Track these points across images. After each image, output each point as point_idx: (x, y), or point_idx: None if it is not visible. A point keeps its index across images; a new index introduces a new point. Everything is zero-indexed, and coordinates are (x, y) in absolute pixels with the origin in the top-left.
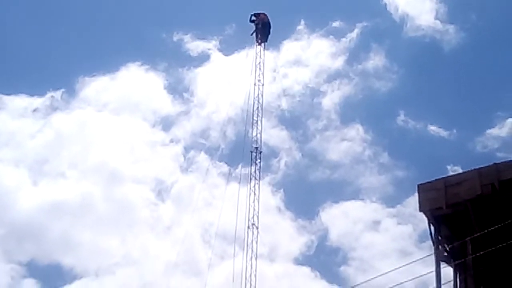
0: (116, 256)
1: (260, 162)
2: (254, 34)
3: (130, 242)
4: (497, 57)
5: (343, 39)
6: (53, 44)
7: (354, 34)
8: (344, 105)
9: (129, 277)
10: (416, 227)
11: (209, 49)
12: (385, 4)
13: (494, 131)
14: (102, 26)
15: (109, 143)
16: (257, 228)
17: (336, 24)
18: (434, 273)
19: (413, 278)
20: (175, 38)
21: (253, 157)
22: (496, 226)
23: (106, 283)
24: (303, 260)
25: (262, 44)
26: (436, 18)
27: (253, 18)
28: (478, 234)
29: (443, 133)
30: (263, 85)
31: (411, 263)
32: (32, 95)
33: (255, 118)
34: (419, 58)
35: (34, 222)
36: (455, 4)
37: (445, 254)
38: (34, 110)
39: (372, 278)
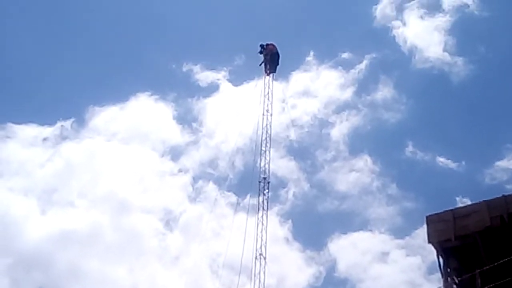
0: (124, 286)
1: (268, 192)
2: (263, 65)
3: (137, 271)
4: (506, 89)
5: (352, 71)
6: (63, 73)
7: (363, 66)
8: (353, 136)
9: None
10: (425, 259)
11: (218, 79)
12: (394, 36)
13: (502, 163)
14: (112, 55)
15: (118, 172)
16: (264, 258)
17: (345, 55)
18: None
19: None
20: (184, 69)
21: (261, 187)
22: (506, 259)
23: None
24: None
25: (271, 75)
26: (445, 50)
27: (262, 49)
28: (488, 267)
29: (452, 164)
30: (271, 115)
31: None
32: (42, 124)
33: (263, 148)
34: (427, 89)
35: (42, 251)
36: (463, 37)
37: (454, 286)
38: (44, 139)
39: None
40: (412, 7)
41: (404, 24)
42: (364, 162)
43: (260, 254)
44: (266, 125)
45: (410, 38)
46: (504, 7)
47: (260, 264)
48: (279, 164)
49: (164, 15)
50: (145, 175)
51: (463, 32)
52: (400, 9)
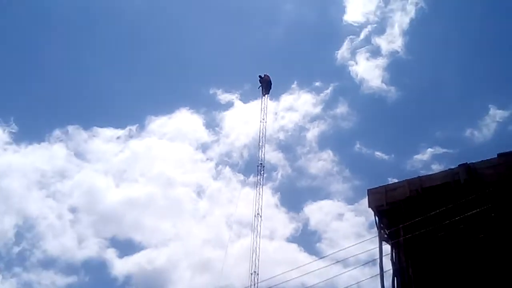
0: (169, 234)
1: (263, 173)
2: (260, 88)
3: (178, 225)
4: (422, 107)
5: (321, 94)
6: (131, 92)
7: (328, 91)
8: (321, 137)
9: (177, 248)
10: (367, 218)
11: (233, 99)
12: (349, 71)
13: (418, 156)
14: (165, 81)
15: (166, 160)
16: (261, 217)
17: (317, 84)
18: (377, 249)
19: (364, 252)
20: (211, 92)
21: (259, 170)
22: (419, 218)
23: (162, 252)
24: (292, 239)
25: (266, 96)
26: (382, 82)
27: (260, 78)
28: (408, 223)
29: (385, 157)
30: (266, 122)
31: (362, 241)
32: (116, 127)
33: (261, 144)
34: (370, 107)
35: (116, 211)
36: (395, 73)
37: (385, 236)
38: (118, 138)
39: (338, 251)
40: (361, 52)
41: (356, 63)
42: (328, 154)
43: (258, 214)
44: (263, 129)
45: (359, 73)
46: (422, 53)
47: (258, 221)
48: (272, 155)
49: (198, 53)
50: (184, 161)
51: (395, 69)
52: (353, 54)
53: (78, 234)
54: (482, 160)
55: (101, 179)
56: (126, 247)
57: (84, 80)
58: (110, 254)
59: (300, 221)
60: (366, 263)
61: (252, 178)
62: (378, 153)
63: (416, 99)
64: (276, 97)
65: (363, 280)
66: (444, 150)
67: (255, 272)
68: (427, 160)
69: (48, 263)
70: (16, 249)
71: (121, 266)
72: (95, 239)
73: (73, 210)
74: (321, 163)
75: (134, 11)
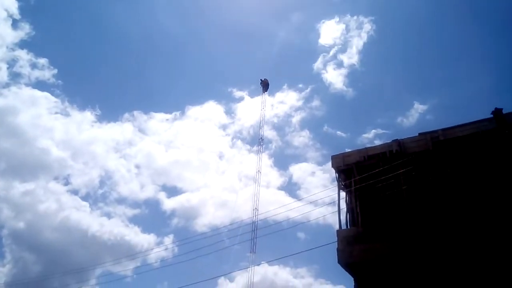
0: (200, 184)
1: (263, 145)
2: (261, 88)
3: (206, 178)
4: (369, 102)
5: (303, 93)
6: (177, 89)
7: (308, 90)
8: (301, 121)
9: (205, 193)
10: (331, 175)
11: (243, 95)
12: (322, 78)
13: (365, 135)
14: (199, 82)
15: (199, 135)
16: (260, 173)
17: (300, 85)
18: (337, 195)
19: (328, 196)
20: (229, 90)
21: (260, 142)
22: (365, 175)
23: (195, 195)
24: (281, 188)
25: (265, 93)
26: (344, 85)
27: (261, 81)
28: (357, 178)
29: (343, 135)
30: (265, 111)
31: (327, 189)
32: (166, 113)
33: (261, 125)
34: (334, 102)
35: (166, 168)
36: (352, 78)
37: (342, 186)
38: (167, 120)
39: (310, 195)
40: (330, 64)
41: (327, 72)
42: (306, 133)
43: (258, 171)
44: (263, 115)
45: (328, 79)
46: (371, 66)
47: (258, 175)
48: (269, 133)
49: (221, 64)
50: (210, 136)
51: (352, 76)
52: (325, 65)
53: (140, 182)
54: (408, 137)
55: (155, 147)
56: (172, 191)
57: (146, 81)
58: (161, 196)
59: (286, 176)
60: (329, 204)
61: (255, 148)
62: (339, 132)
63: (365, 96)
64: (272, 94)
65: (326, 215)
66: (383, 131)
67: (256, 208)
68: (371, 137)
69: (121, 201)
70: (100, 191)
71: (168, 204)
72: (151, 185)
73: (137, 166)
74: (301, 138)
75: (177, 32)
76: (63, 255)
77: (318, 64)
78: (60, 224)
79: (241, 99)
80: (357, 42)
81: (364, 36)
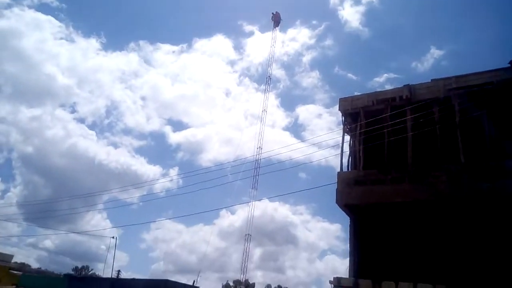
0: (206, 119)
1: (270, 83)
2: (272, 22)
3: (212, 114)
4: (384, 44)
5: (316, 30)
6: (185, 20)
7: (321, 28)
8: (312, 61)
9: (211, 129)
10: (337, 118)
11: (253, 29)
12: (338, 14)
13: (377, 79)
14: (208, 13)
15: (206, 69)
16: (266, 112)
17: (314, 22)
18: (341, 138)
19: (332, 139)
20: (239, 23)
21: (267, 80)
22: (370, 120)
23: (201, 131)
24: (286, 128)
25: (276, 29)
26: (360, 23)
27: (272, 14)
28: (363, 122)
29: (354, 77)
30: (274, 48)
31: (332, 132)
32: (172, 44)
33: (270, 63)
34: (348, 42)
35: (172, 101)
36: (370, 17)
37: (347, 129)
38: (173, 52)
39: (315, 137)
40: (347, 1)
41: (343, 8)
42: (316, 74)
43: (264, 110)
44: (272, 52)
45: (344, 16)
46: (390, 5)
47: (264, 114)
48: (277, 71)
49: None
50: (218, 71)
51: (369, 15)
52: (342, 1)
53: (147, 114)
54: (420, 83)
55: (161, 79)
56: (178, 125)
57: (153, 9)
58: (167, 129)
59: (292, 117)
60: (333, 146)
61: (262, 86)
62: (349, 74)
63: (381, 38)
64: (284, 30)
65: (329, 157)
66: (396, 75)
67: (260, 147)
68: (383, 81)
69: (127, 132)
70: (106, 121)
71: (174, 138)
72: (157, 118)
73: (143, 98)
74: (310, 79)
75: None
76: (71, 181)
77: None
78: (68, 151)
79: (251, 33)
80: None
81: None
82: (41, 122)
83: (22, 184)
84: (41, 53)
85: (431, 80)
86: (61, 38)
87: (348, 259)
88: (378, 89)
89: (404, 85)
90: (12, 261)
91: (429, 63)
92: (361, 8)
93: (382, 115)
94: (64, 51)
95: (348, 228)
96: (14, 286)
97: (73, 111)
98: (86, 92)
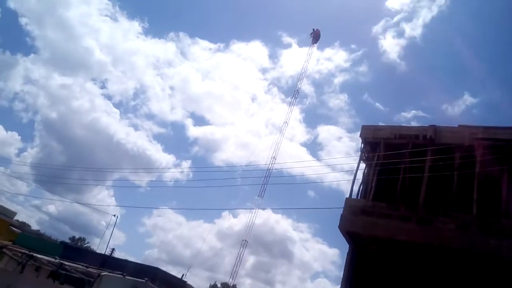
0: (227, 120)
1: (297, 97)
2: (311, 38)
3: (235, 116)
4: (418, 80)
5: (353, 54)
6: (227, 20)
7: (359, 53)
8: (343, 84)
9: (230, 130)
10: (357, 145)
11: (291, 42)
12: (378, 43)
13: (404, 114)
14: (251, 18)
15: (237, 72)
16: (287, 124)
17: (353, 46)
18: (356, 164)
19: (347, 164)
20: (278, 33)
21: (294, 94)
22: (389, 152)
23: (220, 130)
24: (304, 145)
25: (314, 45)
26: (398, 56)
27: (313, 30)
28: (382, 153)
29: (382, 108)
30: (308, 63)
31: (348, 157)
32: (210, 42)
33: (301, 77)
34: (383, 72)
35: (198, 96)
36: (409, 52)
37: (364, 158)
38: (210, 49)
39: (330, 158)
40: (390, 31)
41: (384, 38)
42: (344, 97)
43: (286, 122)
44: (305, 68)
45: (384, 46)
46: (432, 43)
47: (285, 126)
48: (307, 87)
49: (279, 6)
50: (248, 76)
51: (409, 50)
52: (384, 31)
53: (172, 104)
54: (446, 126)
55: (193, 73)
56: (199, 121)
57: (200, 5)
58: (188, 122)
59: (312, 134)
60: (347, 171)
61: (289, 99)
62: (378, 104)
63: (417, 74)
64: (321, 48)
65: (341, 181)
66: (424, 114)
67: (274, 157)
68: (410, 117)
69: (150, 117)
70: (132, 103)
71: (193, 131)
72: (181, 110)
73: (171, 88)
74: (338, 101)
75: None
76: (86, 153)
77: (378, 28)
78: (90, 124)
79: (288, 45)
80: (425, 15)
81: (435, 10)
82: (70, 92)
83: (40, 147)
84: (84, 26)
85: (458, 125)
86: (106, 15)
87: (339, 286)
88: (403, 124)
89: (430, 125)
90: (14, 218)
91: (460, 108)
92: (403, 42)
93: (402, 150)
94: (106, 28)
95: (346, 255)
96: (11, 243)
97: (103, 87)
98: (118, 71)
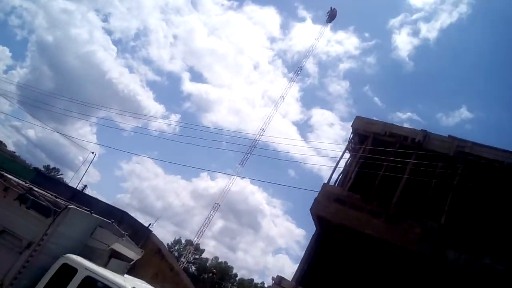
0: (225, 82)
1: (299, 75)
2: (327, 16)
3: (233, 80)
4: (421, 84)
5: (364, 43)
6: None
7: (371, 43)
8: (347, 71)
9: (226, 93)
10: (347, 134)
11: (306, 17)
12: (391, 37)
13: (399, 114)
14: None
15: (245, 35)
16: (283, 99)
17: (366, 34)
18: (341, 153)
19: (333, 151)
20: (295, 4)
21: (297, 71)
22: (376, 148)
23: (216, 91)
24: (295, 124)
25: (328, 24)
26: (407, 55)
27: (330, 9)
28: (369, 147)
29: (380, 103)
30: (318, 42)
31: (335, 144)
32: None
33: (307, 55)
34: (389, 67)
35: (201, 51)
36: (420, 53)
37: (350, 148)
38: (222, 5)
39: (319, 142)
40: (406, 27)
41: (399, 33)
42: (345, 84)
43: (282, 97)
44: (313, 46)
45: (397, 41)
46: (444, 49)
47: (280, 101)
48: (311, 66)
49: None
50: (255, 42)
51: (420, 51)
52: (401, 26)
53: (172, 53)
54: (437, 134)
55: (200, 26)
56: (196, 77)
57: None
58: (185, 76)
59: (306, 115)
60: (330, 157)
61: (291, 74)
62: (376, 98)
63: (421, 77)
64: (334, 29)
65: (322, 166)
66: (418, 118)
67: (263, 129)
68: (404, 118)
69: (147, 62)
70: (132, 43)
71: (188, 87)
72: (180, 62)
73: (175, 37)
74: (339, 87)
75: None
76: (76, 84)
77: (395, 22)
78: (85, 55)
79: (302, 19)
80: (445, 19)
81: (455, 16)
82: (70, 18)
83: (30, 68)
84: None
85: (448, 135)
86: None
87: (297, 265)
88: (396, 123)
89: (421, 130)
90: None
91: (454, 120)
92: (416, 41)
93: (389, 148)
94: None
95: (311, 238)
96: None
97: (105, 20)
98: (124, 7)
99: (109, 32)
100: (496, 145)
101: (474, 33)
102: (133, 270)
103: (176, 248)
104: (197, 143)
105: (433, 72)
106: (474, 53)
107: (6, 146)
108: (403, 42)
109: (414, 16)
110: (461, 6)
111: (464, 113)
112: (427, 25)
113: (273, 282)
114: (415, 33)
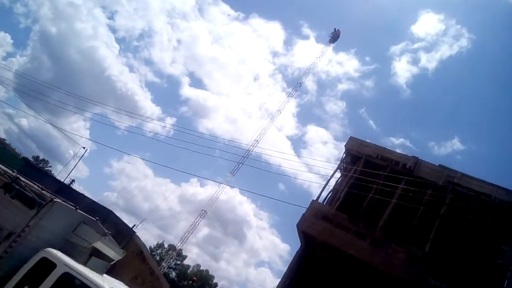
0: (224, 91)
1: (297, 91)
2: (330, 37)
3: (232, 90)
4: (416, 112)
5: (364, 66)
6: None
7: (371, 67)
8: (345, 92)
9: (223, 102)
10: (339, 153)
11: (310, 35)
12: (391, 63)
13: (392, 139)
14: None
15: (248, 47)
16: (280, 112)
17: (367, 58)
18: (332, 171)
19: (324, 168)
20: (300, 22)
21: (296, 87)
22: (367, 170)
23: (214, 98)
24: (290, 138)
25: (330, 44)
26: (405, 83)
27: (334, 30)
28: (360, 169)
29: (374, 127)
30: (319, 61)
31: (327, 162)
32: (232, 8)
33: (307, 73)
34: (386, 93)
35: (203, 59)
36: (417, 82)
37: (342, 168)
38: (229, 15)
39: (312, 159)
40: (407, 56)
41: (399, 61)
42: (342, 104)
43: (279, 110)
44: (314, 64)
45: (396, 68)
46: (441, 80)
47: (276, 114)
48: (310, 84)
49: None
50: (258, 54)
51: (418, 80)
52: (401, 54)
53: (174, 57)
54: (428, 162)
55: (205, 34)
56: (196, 82)
57: None
58: (185, 80)
59: (301, 131)
60: (321, 175)
61: (289, 89)
62: (371, 122)
63: (417, 106)
64: (336, 50)
65: (313, 183)
66: (410, 145)
67: (257, 140)
68: (396, 144)
69: (148, 63)
70: (135, 43)
71: (187, 91)
72: (181, 66)
73: (178, 41)
74: (335, 107)
75: None
76: (75, 78)
77: (396, 49)
78: (86, 50)
79: (306, 37)
80: (445, 50)
81: (455, 49)
82: (76, 12)
83: (30, 57)
84: None
85: (439, 165)
86: None
87: (279, 280)
88: (389, 148)
89: (413, 156)
90: None
91: (445, 150)
92: (415, 70)
93: (379, 171)
94: None
95: (295, 253)
96: None
97: (111, 17)
98: (131, 7)
99: (113, 30)
100: (486, 178)
101: (473, 68)
102: (113, 270)
103: (158, 252)
104: (190, 148)
105: (429, 101)
106: (471, 86)
107: None
108: (402, 69)
109: (416, 45)
110: (462, 40)
111: (456, 144)
112: (427, 55)
113: None
114: (415, 61)
